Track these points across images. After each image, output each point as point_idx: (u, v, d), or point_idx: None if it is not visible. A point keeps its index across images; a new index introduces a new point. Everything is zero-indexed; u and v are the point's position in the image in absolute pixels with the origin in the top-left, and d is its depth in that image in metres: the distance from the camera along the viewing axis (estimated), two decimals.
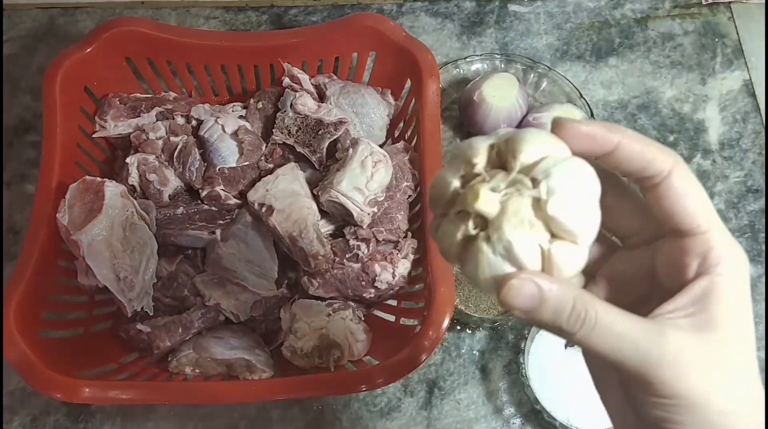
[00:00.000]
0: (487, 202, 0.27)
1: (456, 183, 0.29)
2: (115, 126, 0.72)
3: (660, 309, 0.29)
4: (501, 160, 0.29)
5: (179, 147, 0.69)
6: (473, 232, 0.28)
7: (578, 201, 0.28)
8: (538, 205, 0.27)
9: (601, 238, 0.33)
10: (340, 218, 0.67)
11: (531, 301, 0.28)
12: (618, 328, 0.28)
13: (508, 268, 0.28)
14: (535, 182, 0.27)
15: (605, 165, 0.30)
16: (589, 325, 0.28)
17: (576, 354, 0.66)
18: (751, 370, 0.30)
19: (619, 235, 0.33)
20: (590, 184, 0.28)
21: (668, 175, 0.29)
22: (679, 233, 0.30)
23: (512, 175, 0.28)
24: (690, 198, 0.29)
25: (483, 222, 0.28)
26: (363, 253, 0.64)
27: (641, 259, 0.32)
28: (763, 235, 0.75)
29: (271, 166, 0.69)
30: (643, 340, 0.28)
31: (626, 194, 0.32)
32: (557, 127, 0.29)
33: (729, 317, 0.29)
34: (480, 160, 0.29)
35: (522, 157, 0.28)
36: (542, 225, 0.28)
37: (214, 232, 0.66)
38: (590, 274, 0.33)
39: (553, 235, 0.28)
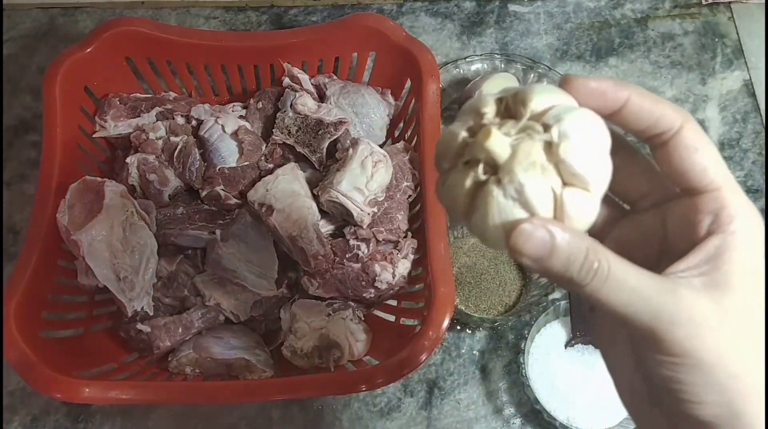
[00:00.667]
0: (498, 142, 0.27)
1: (464, 133, 0.28)
2: (115, 126, 0.72)
3: (672, 268, 0.28)
4: (510, 113, 0.28)
5: (179, 147, 0.69)
6: (483, 177, 0.27)
7: (590, 147, 0.27)
8: (549, 149, 0.27)
9: (609, 203, 0.33)
10: (340, 218, 0.67)
11: (542, 248, 0.26)
12: (630, 282, 0.27)
13: (519, 213, 0.27)
14: (546, 127, 0.27)
15: (614, 124, 0.29)
16: (601, 277, 0.27)
17: (576, 354, 0.66)
18: (762, 334, 0.29)
19: (628, 199, 0.33)
20: (601, 133, 0.28)
21: (678, 130, 0.28)
22: (690, 191, 0.29)
23: (523, 121, 0.27)
24: (701, 153, 0.28)
25: (493, 169, 0.27)
26: (363, 253, 0.64)
27: (651, 223, 0.32)
28: None
29: (271, 166, 0.69)
30: (655, 296, 0.27)
31: (635, 157, 0.32)
32: (566, 83, 0.29)
33: (743, 278, 0.28)
34: (489, 110, 0.28)
35: (532, 105, 0.27)
36: (554, 170, 0.27)
37: (214, 232, 0.66)
38: (599, 240, 0.32)
39: (565, 183, 0.27)
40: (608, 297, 0.27)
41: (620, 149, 0.31)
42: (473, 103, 0.29)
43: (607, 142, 0.28)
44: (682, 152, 0.28)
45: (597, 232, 0.29)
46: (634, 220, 0.33)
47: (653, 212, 0.32)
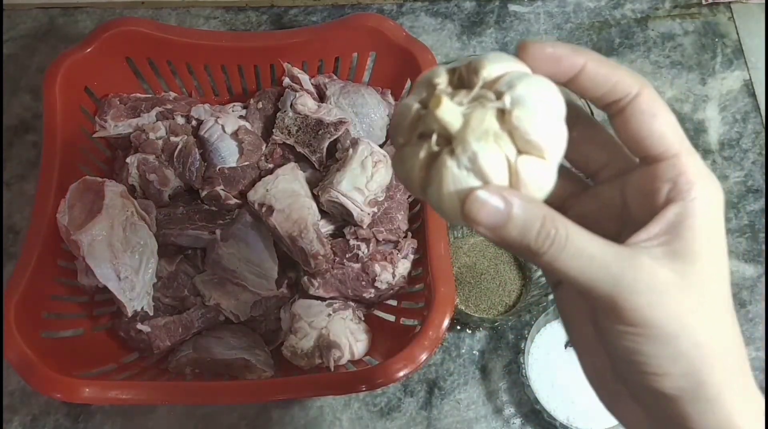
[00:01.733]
0: (449, 110, 0.26)
1: (417, 105, 0.28)
2: (115, 126, 0.71)
3: (632, 238, 0.28)
4: (463, 83, 0.28)
5: (179, 147, 0.69)
6: (436, 148, 0.27)
7: (544, 113, 0.26)
8: (502, 116, 0.26)
9: (567, 176, 0.32)
10: (340, 218, 0.67)
11: (497, 216, 0.26)
12: (589, 250, 0.26)
13: (474, 183, 0.26)
14: (499, 95, 0.26)
15: (571, 91, 0.29)
16: (559, 246, 0.26)
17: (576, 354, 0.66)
18: (726, 304, 0.28)
19: (586, 171, 0.32)
20: (556, 99, 0.27)
21: (635, 96, 0.28)
22: (648, 159, 0.29)
23: (475, 90, 0.27)
24: (658, 119, 0.28)
25: (447, 140, 0.26)
26: (363, 253, 0.64)
27: (610, 194, 0.31)
28: (763, 235, 0.75)
29: (271, 166, 0.69)
30: (615, 263, 0.26)
31: (593, 128, 0.31)
32: (521, 49, 0.28)
33: (704, 247, 0.28)
34: (442, 80, 0.28)
35: (484, 73, 0.27)
36: (508, 138, 0.26)
37: (214, 232, 0.66)
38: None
39: (520, 151, 0.26)
40: (566, 265, 0.26)
41: (578, 120, 0.30)
42: (426, 75, 0.28)
43: (561, 108, 0.27)
44: (638, 118, 0.28)
45: (558, 207, 0.28)
46: (594, 192, 0.32)
47: (613, 183, 0.31)
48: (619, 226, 0.31)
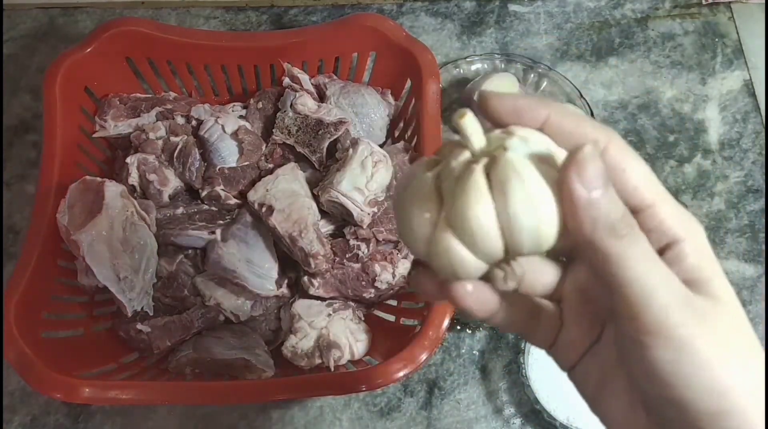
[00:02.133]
0: (470, 122, 0.26)
1: (429, 174, 0.27)
2: (115, 126, 0.72)
3: None
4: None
5: (179, 147, 0.69)
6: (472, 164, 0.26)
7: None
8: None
9: (552, 257, 0.30)
10: (340, 218, 0.67)
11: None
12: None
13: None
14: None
15: None
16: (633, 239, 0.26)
17: None
18: (749, 337, 0.28)
19: (569, 243, 0.30)
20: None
21: (603, 151, 0.27)
22: None
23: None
24: (628, 172, 0.27)
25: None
26: (363, 253, 0.64)
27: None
28: (763, 235, 0.75)
29: (271, 166, 0.69)
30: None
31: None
32: (482, 100, 0.28)
33: (712, 279, 0.27)
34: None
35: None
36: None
37: (214, 232, 0.66)
38: (557, 299, 0.31)
39: None
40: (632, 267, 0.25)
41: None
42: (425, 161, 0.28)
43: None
44: (610, 174, 0.26)
45: (552, 290, 0.28)
46: (580, 263, 0.31)
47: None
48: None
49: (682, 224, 0.28)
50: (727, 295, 0.28)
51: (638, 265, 0.25)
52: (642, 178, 0.27)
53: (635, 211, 0.27)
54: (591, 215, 0.25)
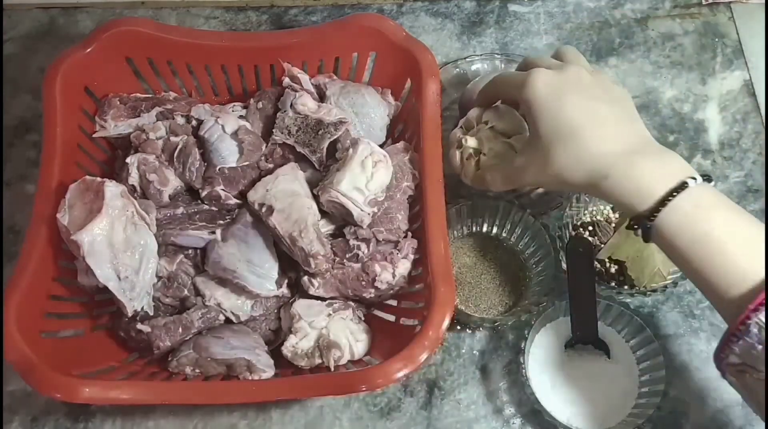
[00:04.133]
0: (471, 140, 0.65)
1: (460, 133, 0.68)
2: (115, 126, 0.72)
3: None
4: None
5: (179, 147, 0.69)
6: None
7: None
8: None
9: None
10: (340, 218, 0.67)
11: None
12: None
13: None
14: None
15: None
16: None
17: (576, 354, 0.66)
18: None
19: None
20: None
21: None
22: None
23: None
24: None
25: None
26: (363, 253, 0.64)
27: None
28: None
29: (271, 166, 0.69)
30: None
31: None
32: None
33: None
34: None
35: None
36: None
37: (214, 232, 0.66)
38: None
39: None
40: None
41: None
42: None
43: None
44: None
45: None
46: None
47: None
48: None
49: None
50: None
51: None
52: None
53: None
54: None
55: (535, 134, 0.57)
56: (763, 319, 0.44)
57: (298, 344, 0.63)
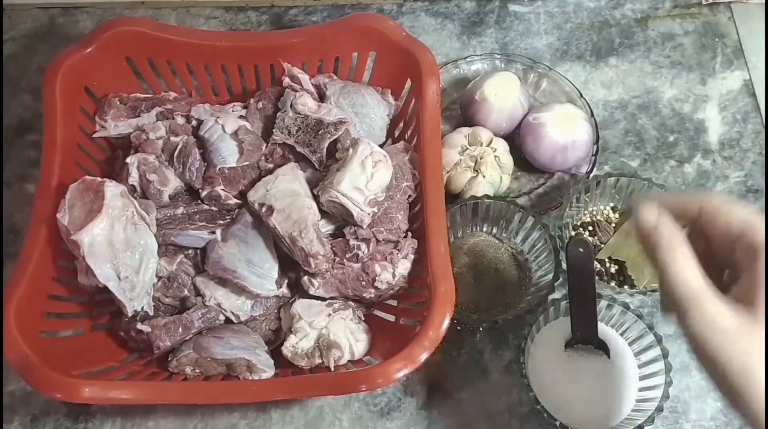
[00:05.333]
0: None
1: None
2: (115, 126, 0.72)
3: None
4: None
5: (179, 147, 0.69)
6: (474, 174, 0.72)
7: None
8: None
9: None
10: (340, 218, 0.67)
11: None
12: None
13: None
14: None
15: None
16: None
17: (576, 354, 0.66)
18: None
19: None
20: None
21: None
22: None
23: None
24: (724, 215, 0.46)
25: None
26: (363, 253, 0.64)
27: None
28: None
29: (271, 166, 0.69)
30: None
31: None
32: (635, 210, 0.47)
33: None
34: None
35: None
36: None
37: (214, 232, 0.66)
38: None
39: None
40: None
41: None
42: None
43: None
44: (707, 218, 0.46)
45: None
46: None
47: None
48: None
49: (747, 256, 0.42)
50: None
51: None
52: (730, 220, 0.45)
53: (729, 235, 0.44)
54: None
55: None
56: None
57: (298, 344, 0.63)
